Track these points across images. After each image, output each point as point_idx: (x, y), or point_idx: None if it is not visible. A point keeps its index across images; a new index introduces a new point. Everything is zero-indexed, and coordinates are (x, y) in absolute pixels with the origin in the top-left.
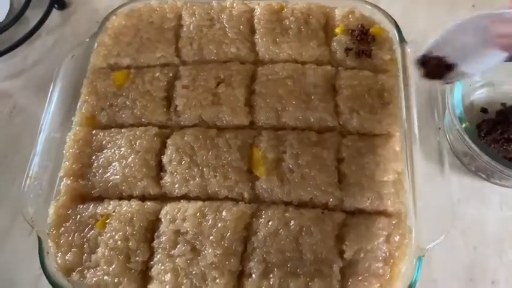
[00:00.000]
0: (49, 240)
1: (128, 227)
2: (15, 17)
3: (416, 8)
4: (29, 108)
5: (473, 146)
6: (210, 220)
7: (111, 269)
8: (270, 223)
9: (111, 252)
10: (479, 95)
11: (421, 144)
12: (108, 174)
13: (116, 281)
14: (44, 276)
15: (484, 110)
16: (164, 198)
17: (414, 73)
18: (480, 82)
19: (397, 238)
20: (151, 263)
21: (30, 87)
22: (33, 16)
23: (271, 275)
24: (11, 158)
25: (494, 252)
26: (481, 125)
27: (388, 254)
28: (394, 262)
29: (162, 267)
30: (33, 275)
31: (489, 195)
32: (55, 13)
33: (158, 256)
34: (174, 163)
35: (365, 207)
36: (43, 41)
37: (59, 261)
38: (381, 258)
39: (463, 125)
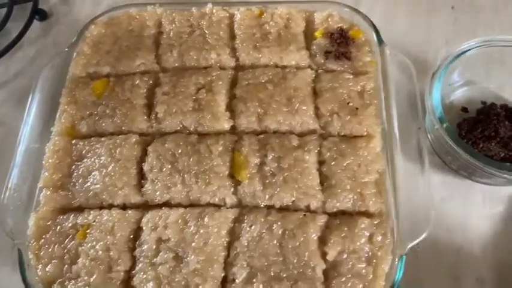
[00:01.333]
0: (29, 252)
1: (109, 237)
2: None
3: (396, 10)
4: (8, 120)
5: (453, 145)
6: (192, 227)
7: (92, 279)
8: (252, 227)
9: (92, 262)
10: (459, 94)
11: (401, 144)
12: (89, 183)
13: None
14: None
15: (464, 109)
16: (146, 206)
17: (393, 75)
18: (460, 81)
19: (379, 238)
20: (133, 272)
21: (11, 99)
22: (14, 27)
23: (254, 280)
24: None
25: (478, 249)
26: (461, 124)
27: (370, 254)
28: (377, 262)
29: (144, 276)
30: None
31: (472, 193)
32: (36, 24)
33: (140, 265)
34: (155, 170)
35: (347, 208)
36: (24, 52)
37: (40, 273)
38: (363, 258)
39: (444, 125)
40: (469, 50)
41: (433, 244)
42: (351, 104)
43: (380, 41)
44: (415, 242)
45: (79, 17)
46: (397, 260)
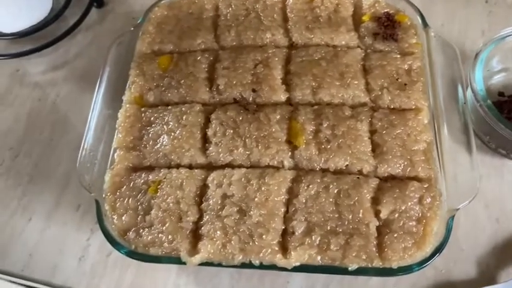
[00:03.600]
0: (105, 204)
1: (178, 192)
2: (57, 14)
3: (434, 4)
4: (71, 97)
5: (496, 120)
6: (255, 184)
7: (164, 228)
8: (310, 187)
9: (164, 213)
10: (497, 79)
11: (447, 118)
12: (158, 145)
13: (169, 238)
14: (90, 247)
15: (501, 94)
16: (210, 167)
17: (438, 56)
18: (498, 67)
19: (428, 200)
20: (201, 223)
21: (72, 78)
22: (73, 14)
23: (312, 233)
24: (57, 141)
25: None
26: (498, 103)
27: (420, 214)
28: (426, 222)
29: (212, 226)
30: (81, 246)
31: (509, 172)
32: (93, 11)
33: (207, 217)
34: (219, 135)
35: (397, 173)
36: (83, 36)
37: (116, 222)
38: (414, 218)
39: (486, 103)
40: (508, 36)
41: (472, 217)
42: (399, 80)
43: (425, 24)
44: (463, 205)
45: (133, 7)
46: (447, 219)
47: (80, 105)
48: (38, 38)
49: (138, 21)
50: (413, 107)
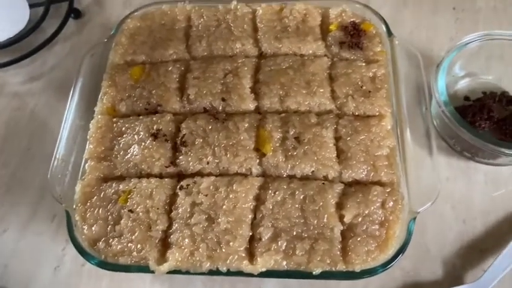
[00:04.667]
0: (76, 215)
1: (148, 201)
2: (35, 26)
3: (402, 10)
4: (48, 107)
5: (458, 126)
6: (223, 192)
7: (133, 237)
8: (276, 193)
9: (134, 222)
10: (462, 84)
11: (409, 124)
12: (129, 155)
13: (139, 247)
14: (65, 257)
15: (466, 98)
16: (180, 175)
17: (402, 64)
18: (462, 73)
19: (391, 204)
20: (170, 231)
21: (49, 89)
22: (50, 25)
23: (278, 238)
24: (34, 151)
25: (481, 224)
26: (461, 108)
27: (383, 218)
28: (389, 225)
29: (181, 234)
30: (56, 257)
31: (475, 174)
32: (71, 22)
33: (176, 225)
34: (188, 144)
35: (361, 178)
36: (60, 47)
37: (86, 233)
38: (377, 221)
39: (449, 108)
40: (470, 42)
41: (439, 218)
42: (364, 88)
43: (389, 32)
44: (424, 208)
45: (110, 17)
46: (408, 221)
47: (57, 115)
48: (16, 50)
49: (111, 33)
50: (377, 114)
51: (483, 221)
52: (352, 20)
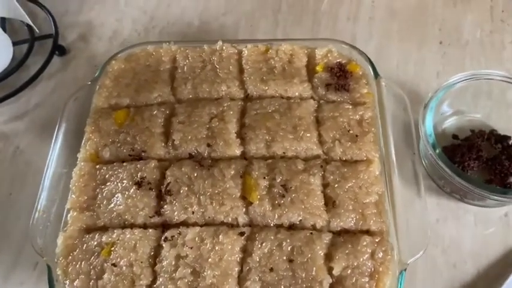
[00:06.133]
0: (57, 269)
1: (131, 254)
2: (19, 63)
3: (389, 46)
4: (32, 148)
5: (446, 169)
6: (208, 244)
7: None
8: (263, 244)
9: (117, 277)
10: (450, 122)
11: (398, 168)
12: (112, 205)
13: None
14: None
15: (455, 137)
16: (165, 225)
17: (389, 105)
18: (450, 111)
19: (380, 254)
20: (155, 286)
21: (33, 129)
22: (34, 62)
23: None
24: (16, 195)
25: (472, 267)
26: (449, 149)
27: (373, 269)
28: (379, 277)
29: None
30: None
31: (464, 215)
32: (56, 59)
33: (161, 279)
34: (173, 192)
35: (350, 227)
36: (45, 85)
37: None
38: (366, 273)
39: (436, 151)
40: (457, 82)
41: (429, 263)
42: (351, 132)
43: (376, 74)
44: (414, 258)
45: (96, 53)
46: (397, 274)
47: (40, 157)
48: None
49: (96, 75)
50: (365, 159)
51: (474, 264)
52: (338, 60)
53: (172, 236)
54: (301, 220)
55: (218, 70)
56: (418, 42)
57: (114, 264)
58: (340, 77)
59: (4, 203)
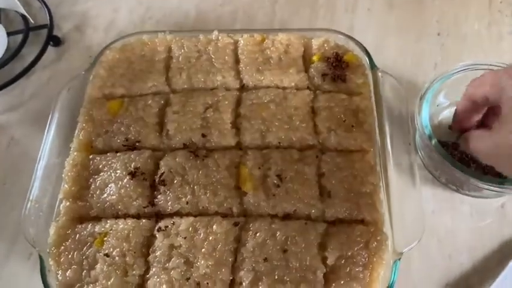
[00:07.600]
0: (50, 259)
1: (124, 244)
2: (13, 53)
3: (387, 37)
4: (26, 139)
5: (442, 159)
6: (202, 234)
7: (109, 283)
8: (257, 234)
9: (109, 267)
10: (447, 114)
11: (394, 159)
12: (105, 195)
13: None
14: None
15: (451, 128)
16: (158, 215)
17: (385, 96)
18: (446, 103)
19: (374, 244)
20: (148, 276)
21: (27, 120)
22: (29, 53)
23: (260, 283)
24: (10, 186)
25: (467, 259)
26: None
27: (367, 259)
28: (373, 267)
29: (158, 280)
30: None
31: (460, 206)
32: (50, 50)
33: (154, 269)
34: (167, 183)
35: (345, 216)
36: (39, 75)
37: (60, 278)
38: (360, 263)
39: (432, 142)
40: (454, 73)
41: (425, 253)
42: (346, 122)
43: (372, 65)
44: (408, 248)
45: (91, 44)
46: (392, 263)
47: (35, 148)
48: None
49: (90, 65)
50: (360, 149)
51: (469, 255)
52: (334, 51)
53: (166, 226)
54: (295, 210)
55: (213, 60)
56: (416, 34)
57: (106, 255)
58: (337, 67)
59: None
